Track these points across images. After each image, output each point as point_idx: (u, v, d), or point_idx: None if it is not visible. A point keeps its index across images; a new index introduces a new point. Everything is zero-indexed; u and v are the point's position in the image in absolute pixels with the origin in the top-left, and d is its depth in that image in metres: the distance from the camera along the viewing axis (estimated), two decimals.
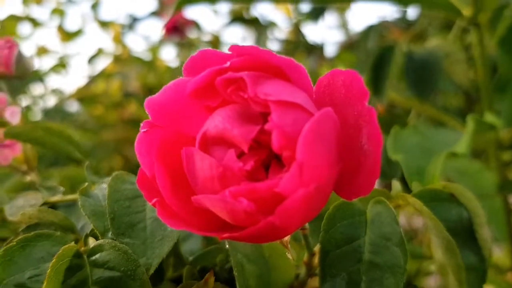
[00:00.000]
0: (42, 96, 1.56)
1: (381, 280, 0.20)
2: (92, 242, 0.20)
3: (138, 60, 1.61)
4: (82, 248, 0.19)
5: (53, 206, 0.24)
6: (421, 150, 0.34)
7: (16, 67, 0.31)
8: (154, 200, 0.15)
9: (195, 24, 1.54)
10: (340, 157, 0.15)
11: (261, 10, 1.46)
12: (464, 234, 0.24)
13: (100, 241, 0.19)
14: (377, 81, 0.52)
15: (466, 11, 0.45)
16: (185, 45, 1.46)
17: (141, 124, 0.16)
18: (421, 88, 0.50)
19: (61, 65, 1.85)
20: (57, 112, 1.42)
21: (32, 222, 0.22)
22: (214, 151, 0.16)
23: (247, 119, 0.15)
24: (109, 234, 0.20)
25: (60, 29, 1.85)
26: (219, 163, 0.15)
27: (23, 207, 0.23)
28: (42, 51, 1.86)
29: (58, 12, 1.84)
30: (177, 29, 1.43)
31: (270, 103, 0.14)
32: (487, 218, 0.64)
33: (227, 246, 0.20)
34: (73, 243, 0.19)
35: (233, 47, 0.15)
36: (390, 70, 0.51)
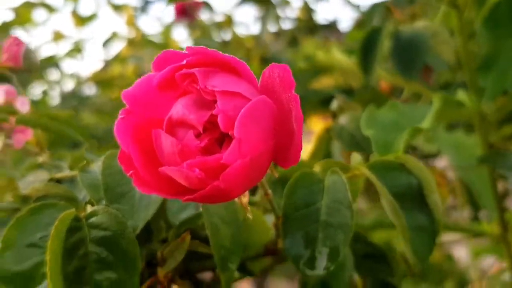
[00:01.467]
0: (59, 81, 1.61)
1: (334, 236, 0.24)
2: (89, 208, 0.24)
3: (151, 43, 1.65)
4: (81, 214, 0.23)
5: (58, 181, 0.28)
6: (394, 126, 0.38)
7: (24, 61, 0.35)
8: (131, 172, 0.19)
9: (206, 5, 1.56)
10: (275, 133, 0.19)
11: None
12: (414, 199, 0.27)
13: (95, 207, 0.23)
14: (366, 61, 0.55)
15: None
16: (196, 26, 1.49)
17: (119, 112, 0.20)
18: (407, 67, 0.53)
19: (77, 49, 1.90)
20: (74, 97, 1.47)
21: (40, 195, 0.26)
22: (178, 132, 0.20)
23: (201, 106, 0.19)
24: (103, 202, 0.24)
25: (74, 14, 1.89)
26: (179, 141, 0.19)
27: (33, 182, 0.28)
28: (57, 36, 1.91)
29: None
30: (187, 12, 1.45)
31: (216, 93, 0.18)
32: (478, 189, 0.67)
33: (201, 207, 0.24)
34: (73, 209, 0.23)
35: (188, 48, 0.19)
36: (378, 50, 0.54)
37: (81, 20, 1.87)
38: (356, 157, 0.29)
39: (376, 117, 0.38)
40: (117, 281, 0.22)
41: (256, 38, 1.45)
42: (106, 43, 1.78)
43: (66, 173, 0.28)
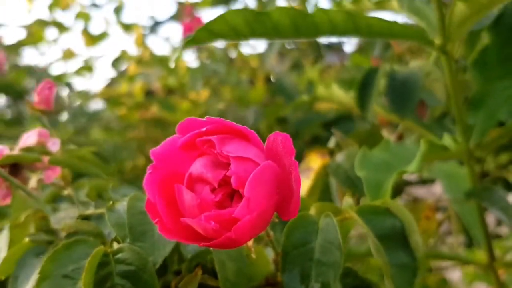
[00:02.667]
0: (69, 98, 1.65)
1: (325, 273, 0.28)
2: (115, 245, 0.28)
3: (160, 61, 1.69)
4: (109, 250, 0.27)
5: (87, 217, 0.32)
6: (385, 166, 0.41)
7: (55, 104, 0.39)
8: (156, 219, 0.23)
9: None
10: (278, 192, 0.23)
11: None
12: (397, 239, 0.31)
13: (121, 245, 0.27)
14: (363, 98, 0.59)
15: (437, 40, 0.51)
16: (203, 48, 1.53)
17: (147, 168, 0.24)
18: (401, 105, 0.57)
19: (87, 67, 1.94)
20: (82, 114, 1.51)
21: (72, 231, 0.30)
22: (196, 187, 0.23)
23: (216, 166, 0.23)
24: (127, 240, 0.28)
25: (85, 33, 1.94)
26: (198, 195, 0.23)
27: (64, 218, 0.32)
28: (68, 54, 1.96)
29: (83, 16, 1.93)
30: None
31: (230, 158, 0.22)
32: (468, 220, 0.70)
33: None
34: (102, 246, 0.27)
35: (208, 118, 0.23)
36: (374, 89, 0.58)
37: (92, 40, 1.92)
38: (348, 201, 0.33)
39: (369, 158, 0.42)
40: None
41: (261, 57, 1.50)
42: (115, 62, 1.82)
43: (93, 210, 0.32)
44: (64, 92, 1.79)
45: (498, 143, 0.66)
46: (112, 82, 1.82)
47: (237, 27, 0.47)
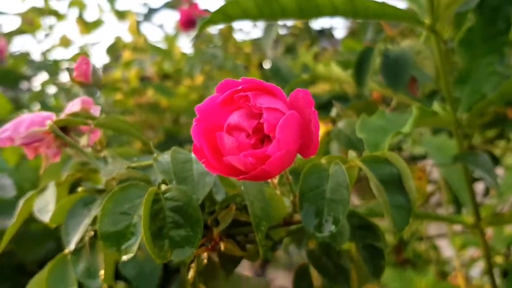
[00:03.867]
0: (66, 84, 1.70)
1: (336, 209, 0.34)
2: (163, 187, 0.34)
3: (154, 48, 1.73)
4: (159, 190, 0.33)
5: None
6: (382, 130, 0.47)
7: (92, 77, 0.44)
8: (203, 160, 0.29)
9: (209, 13, 1.65)
10: (300, 135, 0.29)
11: None
12: (394, 184, 0.37)
13: (169, 186, 0.33)
14: (360, 75, 0.65)
15: (427, 21, 0.57)
16: (199, 36, 1.56)
17: (193, 120, 0.30)
18: (395, 81, 0.63)
19: (83, 54, 1.97)
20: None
21: (123, 178, 0.36)
22: (234, 133, 0.29)
23: (250, 116, 0.29)
24: (173, 182, 0.34)
25: (80, 21, 1.97)
26: (236, 140, 0.29)
27: (113, 170, 0.37)
28: (64, 42, 1.99)
29: (78, 4, 1.96)
30: (192, 22, 1.53)
31: (262, 108, 0.28)
32: (456, 185, 0.77)
33: (242, 189, 0.34)
34: (154, 187, 0.33)
35: (243, 79, 0.29)
36: (370, 66, 0.64)
37: (87, 27, 1.96)
38: (352, 154, 0.39)
39: (368, 123, 0.48)
40: (186, 236, 0.32)
41: (254, 43, 1.55)
42: (110, 49, 1.86)
43: (137, 163, 0.38)
44: (64, 78, 1.83)
45: (482, 115, 0.72)
46: (107, 68, 1.86)
47: (248, 10, 0.52)
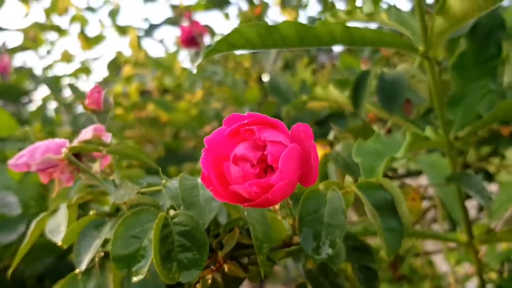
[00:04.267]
0: (69, 99, 1.72)
1: (333, 233, 0.36)
2: (171, 212, 0.36)
3: (155, 63, 1.75)
4: (167, 215, 0.35)
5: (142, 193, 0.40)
6: (377, 154, 0.50)
7: (104, 105, 0.47)
8: (211, 187, 0.31)
9: (209, 30, 1.68)
10: (301, 166, 0.31)
11: (272, 17, 1.59)
12: (388, 209, 0.39)
13: (177, 211, 0.35)
14: (356, 97, 0.68)
15: (421, 48, 0.60)
16: (199, 53, 1.59)
17: (202, 151, 0.32)
18: (390, 103, 0.66)
19: (84, 69, 2.00)
20: (82, 114, 1.57)
21: (134, 203, 0.38)
22: (239, 164, 0.32)
23: (255, 148, 0.31)
24: (181, 208, 0.36)
25: (82, 36, 1.99)
26: (242, 169, 0.31)
27: (124, 194, 0.40)
28: (66, 57, 2.01)
29: (80, 19, 1.99)
30: (193, 39, 1.56)
31: (266, 141, 0.31)
32: (450, 204, 0.80)
33: (245, 213, 0.36)
34: (164, 212, 0.35)
35: (248, 114, 0.31)
36: (366, 89, 0.67)
37: (88, 43, 1.98)
38: (348, 179, 0.41)
39: (364, 147, 0.50)
40: (193, 259, 0.34)
41: (253, 57, 1.57)
42: (111, 64, 1.89)
43: (146, 188, 0.40)
44: (66, 94, 1.86)
45: (475, 134, 0.75)
46: (107, 83, 1.88)
47: (251, 39, 0.55)
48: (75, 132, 1.41)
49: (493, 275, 0.90)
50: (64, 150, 0.40)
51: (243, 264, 0.38)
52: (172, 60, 1.85)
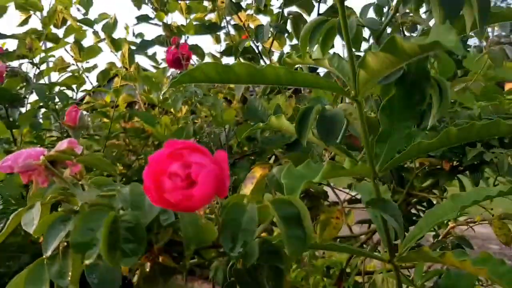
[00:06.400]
0: (57, 105, 1.80)
1: (246, 236, 0.47)
2: (121, 212, 0.46)
3: (145, 79, 1.84)
4: (117, 214, 0.46)
5: (102, 196, 0.50)
6: (301, 177, 0.61)
7: (78, 122, 0.57)
8: (149, 195, 0.42)
9: (198, 50, 1.79)
10: (217, 183, 0.42)
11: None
12: (294, 221, 0.50)
13: (125, 211, 0.46)
14: (301, 129, 0.79)
15: (352, 92, 0.72)
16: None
17: (146, 166, 0.43)
18: (327, 136, 0.77)
19: (78, 79, 2.07)
20: None
21: (93, 203, 0.48)
22: (172, 178, 0.42)
23: (184, 167, 0.42)
24: (129, 209, 0.46)
25: (75, 48, 2.08)
26: (173, 183, 0.42)
27: (87, 196, 0.50)
28: (60, 65, 2.09)
29: (75, 31, 2.06)
30: (178, 62, 1.66)
31: (192, 163, 0.41)
32: (378, 225, 0.91)
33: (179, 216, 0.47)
34: (114, 212, 0.45)
35: (182, 141, 0.42)
36: (309, 122, 0.78)
37: (82, 56, 2.06)
38: (268, 196, 0.52)
39: (292, 171, 0.61)
40: (133, 249, 0.44)
41: None
42: (101, 74, 1.97)
43: (106, 192, 0.51)
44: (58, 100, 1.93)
45: (395, 166, 0.86)
46: (98, 95, 1.96)
47: (210, 75, 0.66)
48: (61, 138, 1.48)
49: None
50: (42, 157, 0.50)
51: (176, 257, 0.48)
52: (160, 76, 1.93)
